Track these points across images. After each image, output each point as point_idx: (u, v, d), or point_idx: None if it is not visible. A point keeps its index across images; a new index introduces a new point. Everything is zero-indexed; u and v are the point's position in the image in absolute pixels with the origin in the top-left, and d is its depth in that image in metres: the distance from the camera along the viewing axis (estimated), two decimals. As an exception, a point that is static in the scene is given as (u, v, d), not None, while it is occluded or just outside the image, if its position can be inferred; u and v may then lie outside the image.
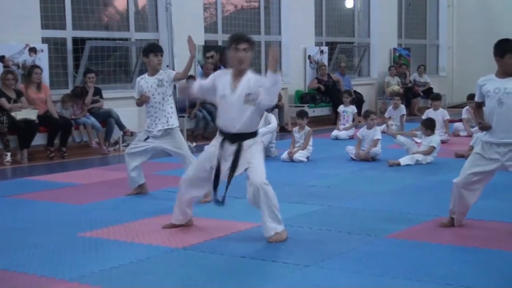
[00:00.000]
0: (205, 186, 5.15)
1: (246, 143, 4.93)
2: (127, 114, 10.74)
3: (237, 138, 4.93)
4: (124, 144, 10.59)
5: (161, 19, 11.89)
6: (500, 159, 4.90)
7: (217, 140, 5.05)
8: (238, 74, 4.94)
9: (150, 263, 4.48)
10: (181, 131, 7.27)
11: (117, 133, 10.55)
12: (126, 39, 11.73)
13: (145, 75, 6.74)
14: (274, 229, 4.87)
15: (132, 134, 10.53)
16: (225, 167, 4.94)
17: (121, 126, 10.48)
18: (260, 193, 4.81)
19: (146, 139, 6.68)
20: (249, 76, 4.94)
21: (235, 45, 4.88)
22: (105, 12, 11.97)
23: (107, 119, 10.40)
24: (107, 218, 5.79)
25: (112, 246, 4.90)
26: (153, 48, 6.68)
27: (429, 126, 8.89)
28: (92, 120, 10.20)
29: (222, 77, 5.04)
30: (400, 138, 9.03)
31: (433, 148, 8.65)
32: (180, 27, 11.31)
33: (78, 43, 10.93)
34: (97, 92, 10.61)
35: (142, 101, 6.68)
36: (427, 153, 8.61)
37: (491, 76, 5.05)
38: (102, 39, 11.34)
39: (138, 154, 6.72)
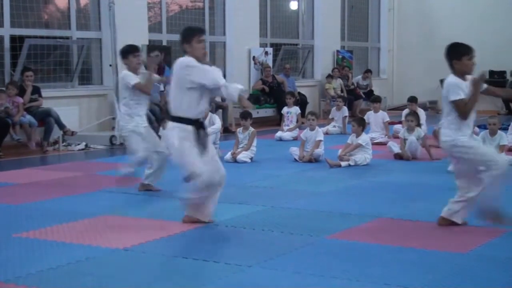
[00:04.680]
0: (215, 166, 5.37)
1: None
2: (68, 113, 10.53)
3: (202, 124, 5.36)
4: (64, 143, 10.38)
5: (104, 18, 11.70)
6: None
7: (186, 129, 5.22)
8: None
9: (89, 264, 4.40)
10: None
11: (57, 133, 10.31)
12: (67, 38, 11.50)
13: None
14: None
15: (73, 133, 10.32)
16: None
17: (61, 126, 10.26)
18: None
19: None
20: None
21: (198, 37, 5.18)
22: (45, 10, 11.71)
23: (46, 118, 10.15)
24: (45, 218, 5.66)
25: (50, 247, 4.79)
26: (131, 49, 6.73)
27: (361, 123, 8.98)
28: (28, 117, 9.90)
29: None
30: (355, 158, 8.62)
31: (359, 144, 8.71)
32: (124, 27, 11.16)
33: (17, 41, 10.67)
34: (36, 90, 10.36)
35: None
36: (353, 148, 8.66)
37: (457, 78, 5.14)
38: (42, 37, 11.09)
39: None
